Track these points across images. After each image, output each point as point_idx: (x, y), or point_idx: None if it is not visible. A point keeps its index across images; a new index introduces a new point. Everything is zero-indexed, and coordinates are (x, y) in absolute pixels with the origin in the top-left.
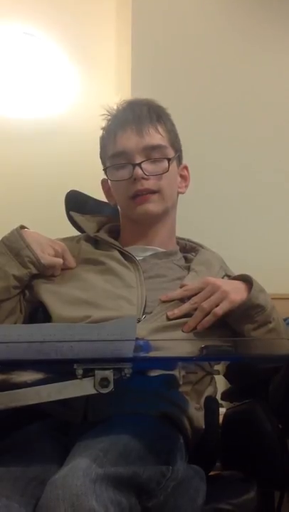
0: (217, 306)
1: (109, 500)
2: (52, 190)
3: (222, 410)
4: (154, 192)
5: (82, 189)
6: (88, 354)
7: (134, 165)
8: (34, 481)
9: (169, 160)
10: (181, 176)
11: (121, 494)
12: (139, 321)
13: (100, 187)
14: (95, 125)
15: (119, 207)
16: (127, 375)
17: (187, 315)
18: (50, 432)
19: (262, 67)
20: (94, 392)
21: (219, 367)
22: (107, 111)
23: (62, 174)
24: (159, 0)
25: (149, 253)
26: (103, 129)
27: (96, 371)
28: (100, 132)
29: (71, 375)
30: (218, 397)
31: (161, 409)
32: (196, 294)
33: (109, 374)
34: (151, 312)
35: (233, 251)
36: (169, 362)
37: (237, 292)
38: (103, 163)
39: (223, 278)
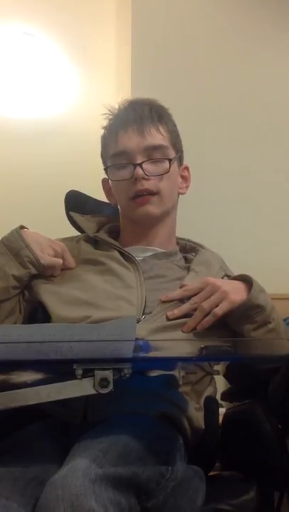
0: (217, 306)
1: (108, 500)
2: (52, 190)
3: (222, 410)
4: (153, 193)
5: (82, 189)
6: (88, 354)
7: (135, 165)
8: (34, 481)
9: (170, 160)
10: (182, 177)
11: (120, 494)
12: (138, 322)
13: (100, 187)
14: (95, 125)
15: (119, 207)
16: (127, 376)
17: (187, 315)
18: (50, 432)
19: (262, 67)
20: (93, 392)
21: (219, 367)
22: (109, 110)
23: (62, 174)
24: (159, 0)
25: (148, 253)
26: (104, 128)
27: (96, 371)
28: (101, 132)
29: (71, 376)
30: (218, 397)
31: (161, 410)
32: (195, 294)
33: (108, 374)
34: (150, 312)
35: (233, 251)
36: (169, 362)
37: (237, 292)
38: (104, 162)
39: (222, 278)
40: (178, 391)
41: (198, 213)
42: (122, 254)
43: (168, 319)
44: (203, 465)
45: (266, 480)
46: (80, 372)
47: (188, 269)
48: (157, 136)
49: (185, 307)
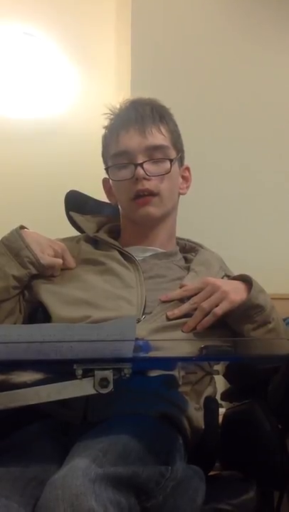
0: (217, 306)
1: (108, 500)
2: (52, 190)
3: (221, 410)
4: (154, 194)
5: (82, 189)
6: (88, 354)
7: (136, 165)
8: (33, 481)
9: (171, 161)
10: (183, 177)
11: (120, 494)
12: (138, 321)
13: (100, 187)
14: (95, 125)
15: (120, 207)
16: (127, 376)
17: (187, 315)
18: (50, 432)
19: (262, 67)
20: (93, 392)
21: (219, 367)
22: (110, 110)
23: (62, 174)
24: (158, 0)
25: (149, 253)
26: (106, 128)
27: (96, 371)
28: (101, 132)
29: (71, 376)
30: (218, 397)
31: (161, 410)
32: (195, 294)
33: (108, 374)
34: (150, 312)
35: (233, 251)
36: (169, 362)
37: (237, 292)
38: (105, 162)
39: (222, 278)
40: (178, 391)
41: (198, 213)
42: (122, 254)
43: (168, 319)
44: (203, 465)
45: (266, 480)
46: (80, 372)
47: (188, 269)
48: (158, 136)
49: (185, 307)
